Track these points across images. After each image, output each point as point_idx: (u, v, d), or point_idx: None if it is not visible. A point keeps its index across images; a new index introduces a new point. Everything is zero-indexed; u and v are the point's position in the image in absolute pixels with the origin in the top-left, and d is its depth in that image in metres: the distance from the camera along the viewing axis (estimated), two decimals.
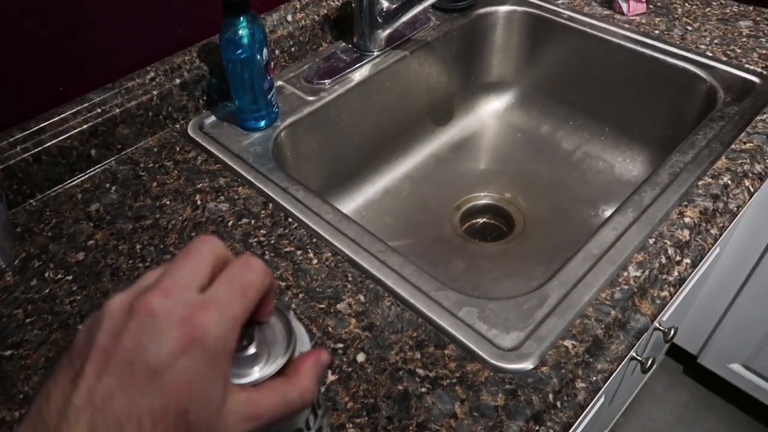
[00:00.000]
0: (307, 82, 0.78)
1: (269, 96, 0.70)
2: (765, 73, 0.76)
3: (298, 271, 0.55)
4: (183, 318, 0.23)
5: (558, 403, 0.46)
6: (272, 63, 0.78)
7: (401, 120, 0.89)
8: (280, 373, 0.27)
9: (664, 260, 0.56)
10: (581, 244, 0.57)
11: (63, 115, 0.65)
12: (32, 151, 0.62)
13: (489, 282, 0.75)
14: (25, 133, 0.63)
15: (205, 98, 0.74)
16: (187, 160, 0.68)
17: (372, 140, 0.86)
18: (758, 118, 0.70)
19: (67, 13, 0.63)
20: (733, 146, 0.67)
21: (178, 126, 0.73)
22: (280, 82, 0.78)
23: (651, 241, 0.57)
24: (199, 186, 0.65)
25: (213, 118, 0.73)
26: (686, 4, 0.90)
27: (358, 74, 0.80)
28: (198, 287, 0.25)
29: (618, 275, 0.54)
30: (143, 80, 0.69)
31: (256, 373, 0.27)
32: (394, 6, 0.79)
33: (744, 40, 0.82)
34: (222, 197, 0.63)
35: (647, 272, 0.54)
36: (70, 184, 0.66)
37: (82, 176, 0.67)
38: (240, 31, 0.64)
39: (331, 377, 0.47)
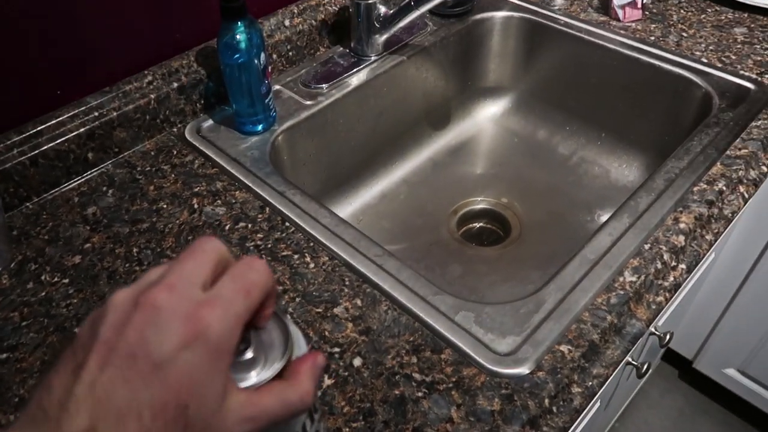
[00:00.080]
0: (305, 87, 0.79)
1: (267, 100, 0.70)
2: (760, 79, 0.77)
3: (295, 275, 0.55)
4: (187, 313, 0.23)
5: (554, 408, 0.47)
6: (270, 67, 0.78)
7: (398, 124, 0.89)
8: (278, 377, 0.27)
9: (659, 265, 0.56)
10: (577, 249, 0.57)
11: (60, 119, 0.65)
12: (29, 154, 0.62)
13: (485, 286, 0.75)
14: (22, 136, 0.63)
15: (202, 102, 0.74)
16: (184, 164, 0.68)
17: (369, 144, 0.86)
18: (753, 124, 0.70)
19: (64, 17, 0.63)
20: (728, 152, 0.67)
21: (175, 130, 0.73)
22: (277, 87, 0.78)
23: (647, 246, 0.57)
24: (196, 190, 0.65)
25: (210, 121, 0.74)
26: (681, 11, 0.91)
27: (356, 79, 0.80)
28: (201, 285, 0.25)
29: (614, 280, 0.54)
30: (141, 84, 0.70)
31: (254, 377, 0.27)
32: (392, 11, 0.79)
33: (739, 46, 0.83)
34: (219, 201, 0.63)
35: (643, 277, 0.55)
36: (67, 188, 0.66)
37: (78, 179, 0.67)
38: (238, 36, 0.64)
39: (327, 381, 0.47)
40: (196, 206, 0.63)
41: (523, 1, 0.93)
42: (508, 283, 0.75)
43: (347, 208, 0.86)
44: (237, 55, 0.65)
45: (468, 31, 0.91)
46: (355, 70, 0.81)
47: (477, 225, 0.87)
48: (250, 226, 0.61)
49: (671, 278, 0.57)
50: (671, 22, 0.88)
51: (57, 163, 0.64)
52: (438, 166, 0.93)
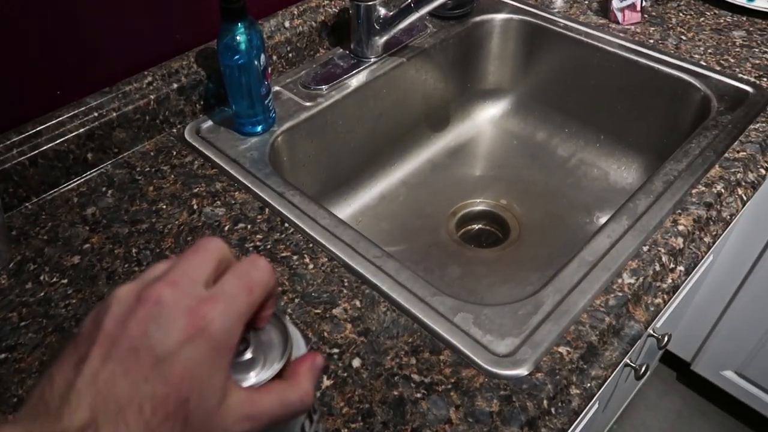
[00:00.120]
0: (305, 88, 0.79)
1: (266, 101, 0.70)
2: (758, 82, 0.77)
3: (294, 276, 0.55)
4: (190, 309, 0.24)
5: (552, 410, 0.47)
6: (269, 68, 0.78)
7: (398, 126, 0.89)
8: (277, 377, 0.27)
9: (658, 267, 0.56)
10: (576, 251, 0.57)
11: (60, 119, 0.65)
12: (29, 155, 0.62)
13: (484, 288, 0.75)
14: (21, 136, 0.63)
15: (202, 103, 0.74)
16: (183, 165, 0.68)
17: (368, 146, 0.86)
18: (751, 127, 0.71)
19: (64, 17, 0.63)
20: (726, 155, 0.67)
21: (175, 130, 0.73)
22: (277, 88, 0.78)
23: (645, 248, 0.57)
24: (195, 190, 0.65)
25: (210, 122, 0.74)
26: (680, 14, 0.91)
27: (355, 80, 0.80)
28: (204, 282, 0.25)
29: (612, 282, 0.54)
30: (141, 84, 0.70)
31: (253, 378, 0.27)
32: (392, 13, 0.79)
33: (737, 50, 0.83)
34: (218, 202, 0.63)
35: (641, 279, 0.55)
36: (66, 188, 0.66)
37: (78, 180, 0.67)
38: (238, 37, 0.64)
39: (326, 382, 0.47)
40: (195, 207, 0.63)
41: (523, 3, 0.93)
42: (507, 284, 0.75)
43: (346, 209, 0.86)
44: (237, 56, 0.65)
45: (467, 33, 0.91)
46: (354, 71, 0.81)
47: (476, 226, 0.87)
48: (249, 226, 0.61)
49: (669, 280, 0.57)
50: (670, 25, 0.88)
51: (56, 164, 0.65)
52: (437, 167, 0.93)
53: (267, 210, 0.62)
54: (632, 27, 0.88)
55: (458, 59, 0.92)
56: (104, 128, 0.67)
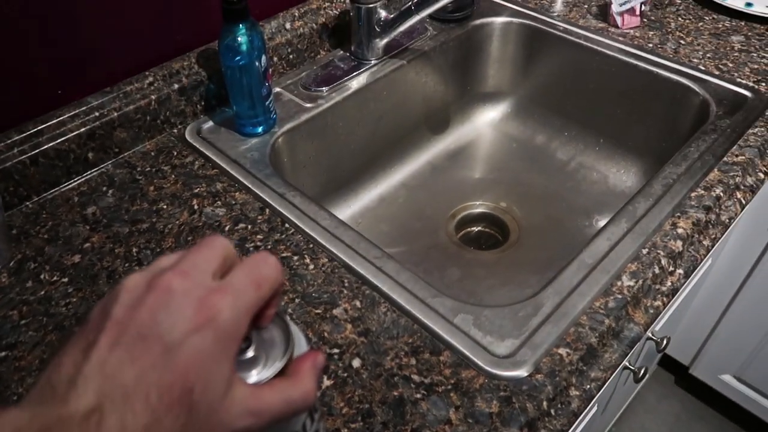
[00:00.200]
0: (305, 90, 0.79)
1: (267, 102, 0.70)
2: (756, 87, 0.77)
3: (295, 277, 0.56)
4: (199, 298, 0.24)
5: (552, 411, 0.47)
6: (270, 70, 0.79)
7: (398, 128, 0.89)
8: (279, 375, 0.27)
9: (657, 270, 0.56)
10: (575, 254, 0.57)
11: (61, 118, 0.65)
12: (29, 154, 0.62)
13: (484, 290, 0.75)
14: (22, 135, 0.63)
15: (203, 103, 0.75)
16: (184, 165, 0.68)
17: (368, 148, 0.86)
18: (750, 131, 0.71)
19: (64, 17, 0.63)
20: (725, 159, 0.67)
21: (175, 131, 0.73)
22: (278, 89, 0.79)
23: (644, 251, 0.58)
24: (196, 190, 0.65)
25: (211, 123, 0.74)
26: (679, 19, 0.92)
27: (356, 82, 0.81)
28: (212, 274, 0.25)
29: (612, 284, 0.54)
30: (142, 85, 0.70)
31: (255, 376, 0.27)
32: (392, 16, 0.79)
33: (736, 54, 0.83)
34: (219, 202, 0.64)
35: (641, 282, 0.55)
36: (67, 187, 0.66)
37: (79, 179, 0.67)
38: (239, 38, 0.65)
39: (326, 382, 0.47)
40: (196, 207, 0.63)
41: (523, 7, 0.94)
42: (507, 287, 0.76)
43: (346, 210, 0.86)
44: (238, 57, 0.65)
45: (468, 36, 0.91)
46: (355, 73, 0.81)
47: (475, 229, 0.87)
48: (249, 227, 0.61)
49: (669, 283, 0.57)
50: (669, 30, 0.89)
51: (57, 163, 0.65)
52: (437, 170, 0.93)
53: (267, 210, 0.62)
54: (631, 31, 0.89)
55: (458, 62, 0.93)
56: (105, 128, 0.67)
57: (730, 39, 0.87)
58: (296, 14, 0.81)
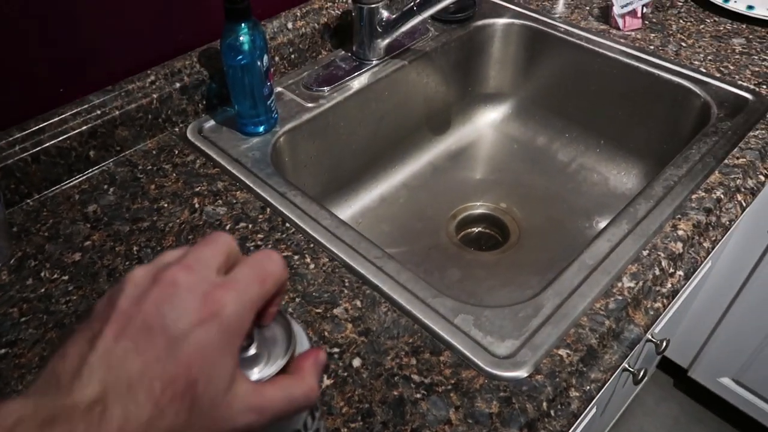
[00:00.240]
0: (307, 89, 0.79)
1: (269, 102, 0.70)
2: (757, 89, 0.77)
3: (295, 276, 0.56)
4: (204, 292, 0.24)
5: (552, 412, 0.47)
6: (272, 69, 0.79)
7: (399, 128, 0.89)
8: (281, 373, 0.27)
9: (657, 272, 0.56)
10: (576, 255, 0.57)
11: (62, 116, 0.65)
12: (31, 151, 0.62)
13: (484, 291, 0.75)
14: (24, 133, 0.63)
15: (204, 102, 0.75)
16: (185, 164, 0.68)
17: (370, 148, 0.86)
18: (751, 134, 0.71)
19: (64, 17, 0.63)
20: (726, 161, 0.68)
21: (177, 129, 0.73)
22: (279, 89, 0.79)
23: (645, 252, 0.58)
24: (197, 189, 0.65)
25: (212, 122, 0.74)
26: (680, 21, 0.92)
27: (357, 82, 0.81)
28: (216, 270, 0.25)
29: (612, 286, 0.54)
30: (143, 83, 0.70)
31: (256, 374, 0.27)
32: (394, 16, 0.79)
33: (737, 57, 0.83)
34: (220, 201, 0.64)
35: (641, 283, 0.55)
36: (68, 185, 0.66)
37: (80, 177, 0.67)
38: (241, 38, 0.65)
39: (326, 381, 0.47)
40: (196, 206, 0.63)
41: (525, 8, 0.94)
42: (507, 287, 0.76)
43: (347, 210, 0.86)
44: (240, 57, 0.65)
45: (469, 37, 0.92)
46: (356, 73, 0.81)
47: (476, 230, 0.87)
48: (250, 226, 0.61)
49: (669, 284, 0.57)
50: (670, 32, 0.89)
51: (58, 161, 0.65)
52: (438, 170, 0.93)
53: (268, 210, 0.62)
54: (633, 33, 0.89)
55: (460, 63, 0.93)
56: (107, 126, 0.67)
57: (732, 42, 0.87)
58: (298, 14, 0.82)
